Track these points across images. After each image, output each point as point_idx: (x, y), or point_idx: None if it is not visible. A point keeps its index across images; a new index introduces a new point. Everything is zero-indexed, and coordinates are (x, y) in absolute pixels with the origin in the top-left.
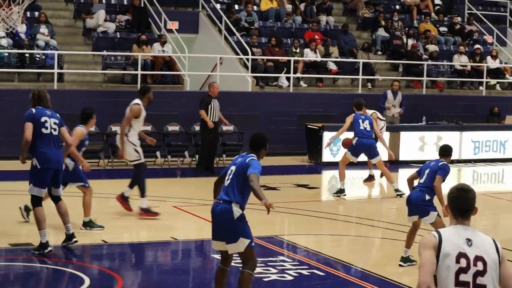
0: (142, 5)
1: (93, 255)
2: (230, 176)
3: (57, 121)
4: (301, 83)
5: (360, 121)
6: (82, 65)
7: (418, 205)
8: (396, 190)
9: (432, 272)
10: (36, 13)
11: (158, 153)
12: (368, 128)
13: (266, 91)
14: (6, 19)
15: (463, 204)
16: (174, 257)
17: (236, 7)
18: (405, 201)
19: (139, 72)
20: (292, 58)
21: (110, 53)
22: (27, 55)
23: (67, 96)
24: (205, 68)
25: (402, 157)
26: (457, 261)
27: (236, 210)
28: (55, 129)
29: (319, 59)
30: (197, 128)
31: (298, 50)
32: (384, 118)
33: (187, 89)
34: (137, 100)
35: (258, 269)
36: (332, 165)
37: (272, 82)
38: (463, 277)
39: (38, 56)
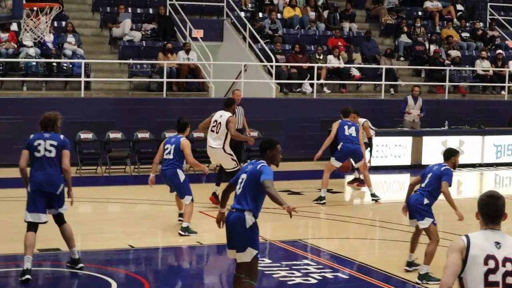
0: (168, 13)
1: (119, 260)
2: (242, 185)
3: (54, 143)
4: (325, 89)
5: (346, 127)
6: (109, 73)
7: (416, 208)
8: (373, 195)
9: (455, 274)
10: (63, 23)
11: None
12: (354, 134)
13: (290, 98)
14: (34, 29)
15: (493, 211)
16: (200, 261)
17: (260, 15)
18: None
19: (165, 79)
20: (315, 65)
21: (136, 61)
22: (54, 64)
23: (94, 104)
24: (230, 75)
25: (424, 162)
26: (485, 263)
27: (249, 219)
28: (50, 151)
29: (342, 65)
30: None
31: (321, 57)
32: (374, 128)
33: (212, 96)
34: (227, 113)
35: (282, 273)
36: (356, 170)
37: (296, 88)
38: (492, 278)
39: (65, 65)
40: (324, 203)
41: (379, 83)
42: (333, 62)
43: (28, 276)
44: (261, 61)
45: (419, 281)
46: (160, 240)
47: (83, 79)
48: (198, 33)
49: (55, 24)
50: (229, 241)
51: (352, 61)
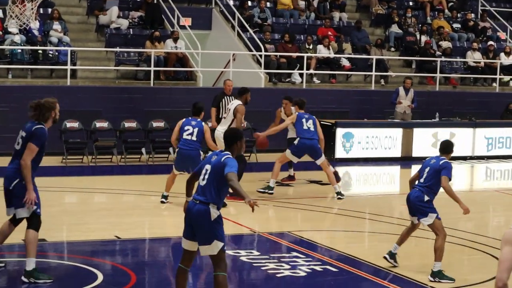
0: (155, 1)
1: (105, 251)
2: (206, 176)
3: (23, 134)
4: (314, 79)
5: (304, 120)
6: (95, 62)
7: (417, 206)
8: (338, 193)
9: (509, 269)
10: (49, 10)
11: (171, 149)
12: (312, 128)
13: (279, 88)
14: (19, 16)
15: None
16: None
17: (249, 3)
18: (406, 200)
19: (152, 68)
20: (305, 55)
21: (123, 49)
22: (40, 51)
23: (80, 92)
24: (218, 64)
25: (415, 154)
26: None
27: (214, 212)
28: (18, 143)
29: (332, 55)
30: (210, 124)
31: (311, 47)
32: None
33: (200, 85)
34: (238, 101)
35: (271, 265)
36: (345, 161)
37: (285, 78)
38: None
39: (51, 52)
40: (272, 193)
41: (369, 73)
42: (323, 52)
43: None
44: (250, 50)
45: (431, 279)
46: (147, 231)
47: (69, 67)
48: (186, 21)
49: (41, 11)
50: (187, 231)
51: (342, 51)
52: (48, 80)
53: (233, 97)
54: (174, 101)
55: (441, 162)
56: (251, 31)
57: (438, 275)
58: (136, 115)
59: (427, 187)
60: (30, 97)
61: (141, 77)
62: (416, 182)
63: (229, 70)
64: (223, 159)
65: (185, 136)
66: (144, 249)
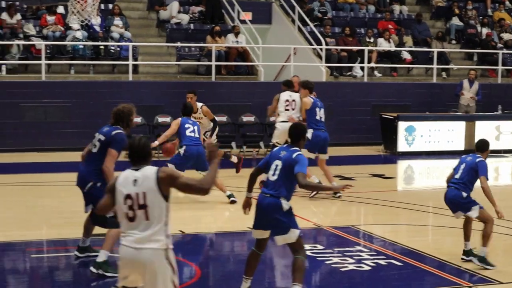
0: None
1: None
2: (277, 172)
3: (102, 138)
4: (375, 72)
5: (317, 109)
6: (156, 57)
7: (457, 203)
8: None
9: None
10: (110, 6)
11: (233, 144)
12: (323, 119)
13: (340, 81)
14: (81, 12)
15: None
16: (251, 247)
17: None
18: (443, 199)
19: (213, 63)
20: (366, 48)
21: (184, 44)
22: (101, 47)
23: (142, 87)
24: (279, 58)
25: None
26: None
27: (285, 203)
28: (95, 146)
29: (393, 48)
30: (272, 118)
31: (372, 40)
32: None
33: (261, 79)
34: (296, 94)
35: (335, 259)
36: (408, 155)
37: (346, 72)
38: None
39: (112, 48)
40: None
41: (430, 66)
42: (383, 45)
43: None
44: (311, 44)
45: (479, 263)
46: (212, 226)
47: (130, 62)
48: (247, 16)
49: (102, 6)
50: (258, 222)
51: (403, 44)
52: (110, 75)
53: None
54: (235, 95)
55: (477, 160)
56: (311, 25)
57: (484, 261)
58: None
59: (463, 184)
60: (92, 92)
61: (202, 72)
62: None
63: (290, 64)
64: (294, 155)
65: (188, 133)
66: (208, 243)
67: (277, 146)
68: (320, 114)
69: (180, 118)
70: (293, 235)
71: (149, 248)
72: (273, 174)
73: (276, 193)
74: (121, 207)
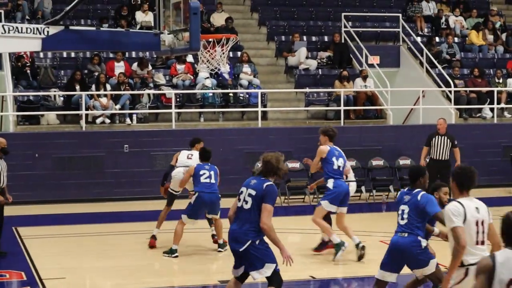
0: (343, 41)
1: None
2: (405, 216)
3: (253, 193)
4: (505, 113)
5: (334, 158)
6: (285, 103)
7: None
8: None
9: None
10: (239, 53)
11: (363, 188)
12: (342, 167)
13: (470, 123)
14: (210, 60)
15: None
16: None
17: (437, 39)
18: None
19: (342, 107)
20: (495, 89)
21: (312, 90)
22: (231, 94)
23: (271, 134)
24: (408, 101)
25: None
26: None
27: (422, 241)
28: (246, 202)
29: None
30: (402, 162)
31: (501, 80)
32: None
33: (390, 123)
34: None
35: None
36: None
37: (476, 113)
38: None
39: (241, 95)
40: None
41: None
42: None
43: None
44: (439, 86)
45: None
46: (341, 270)
47: (260, 109)
48: (375, 60)
49: (231, 54)
50: (393, 265)
51: None
52: (239, 122)
53: (446, 137)
54: (364, 139)
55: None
56: (439, 67)
57: None
58: None
59: None
60: (222, 140)
61: (331, 116)
62: None
63: (419, 107)
64: (420, 198)
65: (204, 180)
66: None
67: None
68: (338, 163)
69: (194, 165)
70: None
71: None
72: (402, 219)
73: (410, 232)
74: None
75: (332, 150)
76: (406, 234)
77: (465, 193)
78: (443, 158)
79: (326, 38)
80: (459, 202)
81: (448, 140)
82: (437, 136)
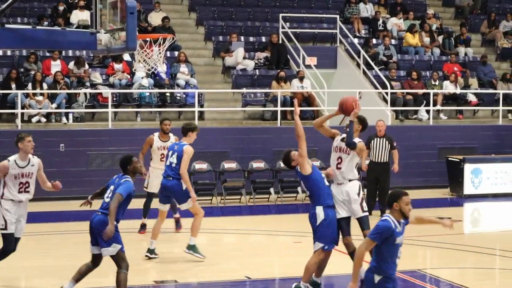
0: (281, 41)
1: None
2: None
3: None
4: (441, 115)
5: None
6: (222, 103)
7: None
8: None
9: None
10: (176, 53)
11: (299, 189)
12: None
13: (406, 125)
14: (147, 60)
15: None
16: None
17: (374, 41)
18: None
19: (279, 108)
20: (431, 91)
21: (249, 90)
22: (168, 94)
23: (208, 134)
24: None
25: None
26: None
27: None
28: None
29: (458, 91)
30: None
31: (437, 83)
32: None
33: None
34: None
35: None
36: (474, 198)
37: (412, 115)
38: None
39: (178, 95)
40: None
41: (496, 108)
42: (449, 87)
43: None
44: (376, 88)
45: None
46: (277, 271)
47: (196, 109)
48: (312, 61)
49: (168, 54)
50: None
51: (469, 86)
52: (176, 122)
53: (385, 139)
54: None
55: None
56: (376, 68)
57: None
58: (264, 155)
59: None
60: None
61: (268, 117)
62: None
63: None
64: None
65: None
66: None
67: None
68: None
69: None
70: None
71: None
72: None
73: None
74: None
75: None
76: None
77: None
78: (382, 160)
79: (263, 39)
80: None
81: (387, 142)
82: (376, 138)
